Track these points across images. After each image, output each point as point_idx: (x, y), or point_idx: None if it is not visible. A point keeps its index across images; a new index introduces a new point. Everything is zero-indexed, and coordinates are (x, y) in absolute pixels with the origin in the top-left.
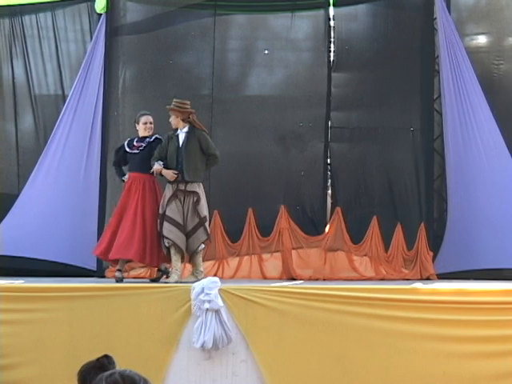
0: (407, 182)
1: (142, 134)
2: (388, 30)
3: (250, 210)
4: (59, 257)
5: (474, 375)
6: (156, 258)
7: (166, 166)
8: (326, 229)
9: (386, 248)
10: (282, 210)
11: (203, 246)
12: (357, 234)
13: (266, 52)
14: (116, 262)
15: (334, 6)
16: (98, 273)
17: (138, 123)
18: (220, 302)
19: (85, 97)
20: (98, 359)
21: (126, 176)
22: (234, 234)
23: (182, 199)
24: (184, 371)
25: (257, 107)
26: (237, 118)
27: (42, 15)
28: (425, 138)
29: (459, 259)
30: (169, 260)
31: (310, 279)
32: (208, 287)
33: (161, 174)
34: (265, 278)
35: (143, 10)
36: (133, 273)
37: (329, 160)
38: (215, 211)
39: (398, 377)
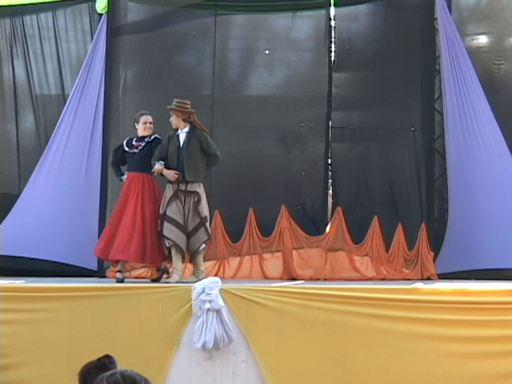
0: (408, 181)
1: (141, 133)
2: (389, 30)
3: (251, 210)
4: (60, 257)
5: (475, 375)
6: (157, 258)
7: (166, 166)
8: (327, 229)
9: (387, 248)
10: (283, 209)
11: (204, 246)
12: (357, 234)
13: (267, 52)
14: (117, 261)
15: (334, 6)
16: (99, 273)
17: (137, 123)
18: (221, 302)
19: (86, 97)
20: (99, 359)
21: (125, 176)
22: (234, 233)
23: (183, 199)
24: (185, 371)
25: (258, 107)
26: (237, 118)
27: (42, 15)
28: (426, 137)
29: (460, 259)
30: (169, 259)
31: (310, 279)
32: (209, 287)
33: (161, 174)
34: (265, 277)
35: (144, 10)
36: (134, 273)
37: (330, 160)
38: (216, 211)
39: (398, 377)
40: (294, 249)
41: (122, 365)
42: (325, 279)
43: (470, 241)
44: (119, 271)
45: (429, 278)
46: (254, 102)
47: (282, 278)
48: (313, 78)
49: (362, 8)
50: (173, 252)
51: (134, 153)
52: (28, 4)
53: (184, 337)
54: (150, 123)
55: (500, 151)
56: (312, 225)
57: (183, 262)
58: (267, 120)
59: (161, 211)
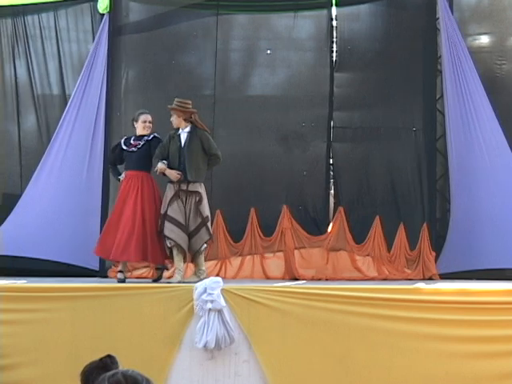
0: (410, 181)
1: (140, 132)
2: (390, 30)
3: (253, 210)
4: (61, 257)
5: (476, 375)
6: (158, 256)
7: (167, 166)
8: (329, 229)
9: (389, 248)
10: (285, 209)
11: (205, 245)
12: (359, 234)
13: (269, 52)
14: (118, 260)
15: (336, 5)
16: (101, 273)
17: (136, 121)
18: (222, 302)
19: (87, 97)
20: (101, 359)
21: (122, 175)
22: (236, 233)
23: (184, 199)
24: (186, 371)
25: (259, 107)
26: (239, 118)
27: (44, 15)
28: (427, 137)
29: (462, 259)
30: (171, 259)
31: (312, 279)
32: (210, 287)
33: (163, 174)
34: (267, 277)
35: (146, 10)
36: (135, 273)
37: (331, 160)
38: (217, 211)
39: (400, 377)
40: (296, 249)
41: (124, 365)
42: (326, 279)
43: (472, 241)
44: (121, 271)
45: (430, 278)
46: (255, 101)
47: (283, 278)
48: (314, 77)
49: (363, 8)
50: (174, 252)
51: (133, 151)
52: (30, 4)
53: (186, 337)
54: (150, 122)
55: (502, 151)
56: (314, 225)
57: (185, 261)
58: (269, 120)
59: (162, 211)
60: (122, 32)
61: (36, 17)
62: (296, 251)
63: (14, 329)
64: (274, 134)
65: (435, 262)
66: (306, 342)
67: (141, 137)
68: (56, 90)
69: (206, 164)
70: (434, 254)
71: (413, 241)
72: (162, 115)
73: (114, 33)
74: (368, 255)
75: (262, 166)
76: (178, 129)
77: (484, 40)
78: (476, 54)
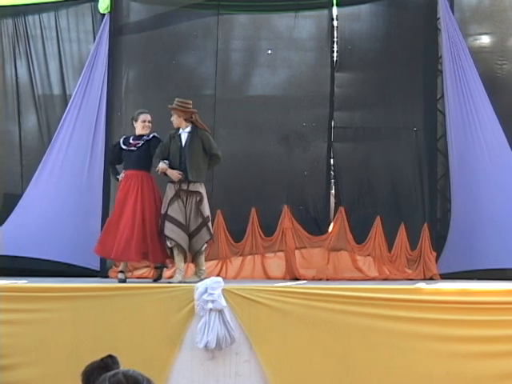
0: (410, 181)
1: (139, 131)
2: (391, 30)
3: (253, 210)
4: (62, 257)
5: (477, 375)
6: (159, 255)
7: (168, 166)
8: (330, 228)
9: (390, 248)
10: (285, 209)
11: (206, 245)
12: (360, 234)
13: (269, 52)
14: (118, 260)
15: (337, 5)
16: (102, 273)
17: (135, 121)
18: (223, 302)
19: (88, 97)
20: (102, 359)
21: (121, 174)
22: (237, 233)
23: (185, 199)
24: (187, 371)
25: (260, 107)
26: (240, 118)
27: (45, 15)
28: (428, 137)
29: (462, 259)
30: (172, 259)
31: (313, 279)
32: (211, 287)
33: (165, 174)
34: (268, 277)
35: (146, 10)
36: (136, 273)
37: (332, 160)
38: (218, 211)
39: (401, 377)
40: (297, 248)
41: (125, 365)
42: (327, 279)
43: (473, 241)
44: (121, 271)
45: (431, 278)
46: (256, 101)
47: (284, 278)
48: (315, 77)
49: (364, 8)
50: (175, 252)
51: (132, 151)
52: (30, 4)
53: (186, 337)
54: (149, 122)
55: (502, 151)
56: (314, 225)
57: (185, 262)
58: (269, 120)
59: (162, 211)
60: (123, 32)
61: (37, 17)
62: (297, 251)
63: (14, 329)
64: (275, 134)
65: (436, 261)
66: (307, 341)
67: (140, 136)
68: (57, 90)
69: (207, 164)
70: (434, 253)
71: (413, 241)
72: (163, 115)
73: (115, 33)
74: (369, 255)
75: (262, 165)
76: (179, 129)
77: (485, 40)
78: (477, 54)
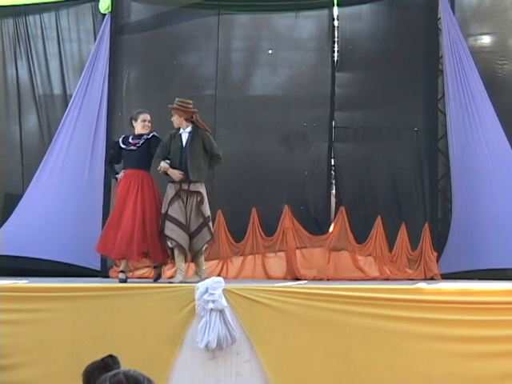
0: (411, 181)
1: (139, 131)
2: (392, 30)
3: (254, 210)
4: (63, 257)
5: (478, 375)
6: (159, 255)
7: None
8: (330, 228)
9: (391, 248)
10: (286, 209)
11: (206, 245)
12: (361, 234)
13: (270, 52)
14: (119, 258)
15: (337, 5)
16: (102, 273)
17: (135, 120)
18: (224, 302)
19: (89, 96)
20: (102, 359)
21: (120, 174)
22: (237, 233)
23: (185, 199)
24: (188, 371)
25: (260, 107)
26: (240, 118)
27: (46, 15)
28: (429, 137)
29: (463, 259)
30: (172, 259)
31: (313, 279)
32: (212, 287)
33: (166, 173)
34: (268, 277)
35: (147, 10)
36: (137, 273)
37: (333, 160)
38: (219, 211)
39: (402, 377)
40: (298, 248)
41: (125, 365)
42: (328, 279)
43: (474, 241)
44: (122, 271)
45: (432, 278)
46: (256, 101)
47: (285, 278)
48: (316, 77)
49: (365, 8)
50: (176, 252)
51: (132, 150)
52: (31, 4)
53: (187, 337)
54: (149, 121)
55: (503, 151)
56: (315, 224)
57: (186, 261)
58: (270, 120)
59: (162, 211)
60: (124, 32)
61: (37, 17)
62: (297, 251)
63: (15, 329)
64: (276, 134)
65: (437, 262)
66: (308, 341)
67: (140, 136)
68: (57, 90)
69: (207, 164)
70: (435, 254)
71: (414, 241)
72: (163, 115)
73: (116, 33)
74: (369, 255)
75: (263, 165)
76: (179, 128)
77: (485, 40)
78: (477, 54)
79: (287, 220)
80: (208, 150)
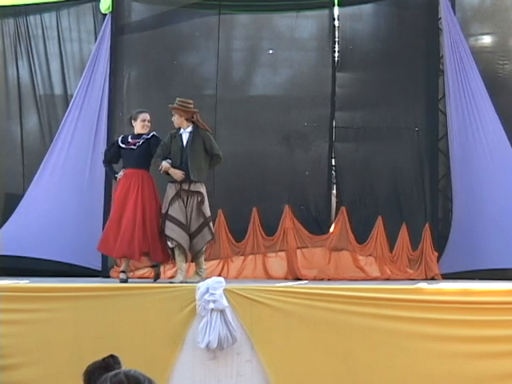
0: (412, 181)
1: (138, 130)
2: (393, 30)
3: (255, 210)
4: (64, 257)
5: (479, 375)
6: (159, 254)
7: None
8: (331, 228)
9: (391, 248)
10: (287, 209)
11: (206, 245)
12: (361, 234)
13: (271, 52)
14: (120, 258)
15: (338, 5)
16: (103, 273)
17: (135, 120)
18: (225, 302)
19: (90, 96)
20: (103, 359)
21: (120, 173)
22: (238, 233)
23: (185, 199)
24: (189, 371)
25: (261, 107)
26: (241, 118)
27: (46, 15)
28: (429, 137)
29: (464, 259)
30: (173, 259)
31: (314, 279)
32: (213, 287)
33: (167, 173)
34: (269, 277)
35: (148, 9)
36: (137, 273)
37: (333, 160)
38: (220, 211)
39: (402, 377)
40: (298, 248)
41: (126, 365)
42: (329, 279)
43: (474, 241)
44: (123, 271)
45: (433, 278)
46: (257, 101)
47: (285, 278)
48: (316, 77)
49: (365, 8)
50: (176, 253)
51: (132, 149)
52: (32, 4)
53: (188, 337)
54: (148, 121)
55: (504, 151)
56: (316, 224)
57: (186, 261)
58: (271, 120)
59: (163, 210)
60: (124, 32)
61: (38, 17)
62: (298, 251)
63: (16, 329)
64: (276, 133)
65: (437, 261)
66: (309, 341)
67: (139, 135)
68: (58, 90)
69: (208, 164)
70: (436, 253)
71: (415, 241)
72: (164, 115)
73: (116, 33)
74: (370, 255)
75: (264, 165)
76: (179, 128)
77: (486, 40)
78: (478, 54)
79: (288, 220)
80: (208, 150)
